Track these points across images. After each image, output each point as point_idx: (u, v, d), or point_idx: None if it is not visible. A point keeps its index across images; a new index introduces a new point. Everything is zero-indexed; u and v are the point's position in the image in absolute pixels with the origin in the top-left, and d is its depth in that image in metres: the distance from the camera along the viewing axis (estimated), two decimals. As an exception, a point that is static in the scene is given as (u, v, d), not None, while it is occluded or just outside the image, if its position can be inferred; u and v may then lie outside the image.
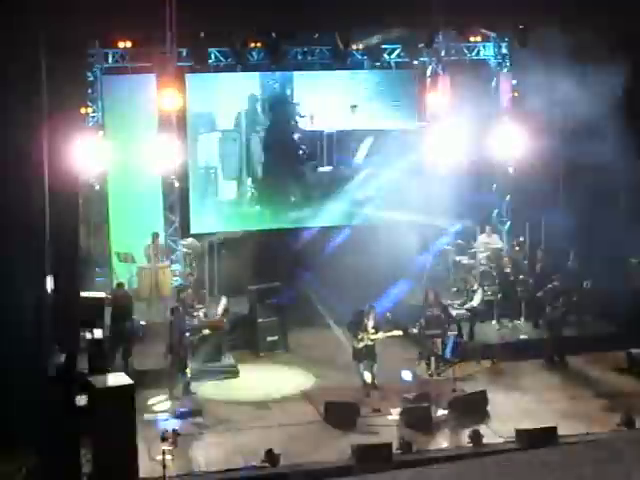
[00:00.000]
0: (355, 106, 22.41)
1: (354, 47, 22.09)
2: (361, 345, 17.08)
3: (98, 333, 16.70)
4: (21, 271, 14.33)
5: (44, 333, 14.44)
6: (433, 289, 19.32)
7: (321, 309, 20.20)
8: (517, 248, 22.44)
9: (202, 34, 21.05)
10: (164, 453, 14.01)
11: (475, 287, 20.00)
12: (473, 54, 22.95)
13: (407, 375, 17.09)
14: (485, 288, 20.32)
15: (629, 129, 20.15)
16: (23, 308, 14.17)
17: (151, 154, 21.56)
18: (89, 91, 21.10)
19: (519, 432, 14.89)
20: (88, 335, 16.33)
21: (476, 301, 19.80)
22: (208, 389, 17.53)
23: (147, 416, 15.78)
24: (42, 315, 14.54)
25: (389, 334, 17.29)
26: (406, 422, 15.75)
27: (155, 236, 21.25)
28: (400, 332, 17.50)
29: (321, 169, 23.09)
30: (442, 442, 15.20)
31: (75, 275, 16.39)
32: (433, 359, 18.20)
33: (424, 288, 19.97)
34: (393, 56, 22.53)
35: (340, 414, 15.91)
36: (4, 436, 13.20)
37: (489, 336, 20.04)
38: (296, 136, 22.85)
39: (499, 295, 20.73)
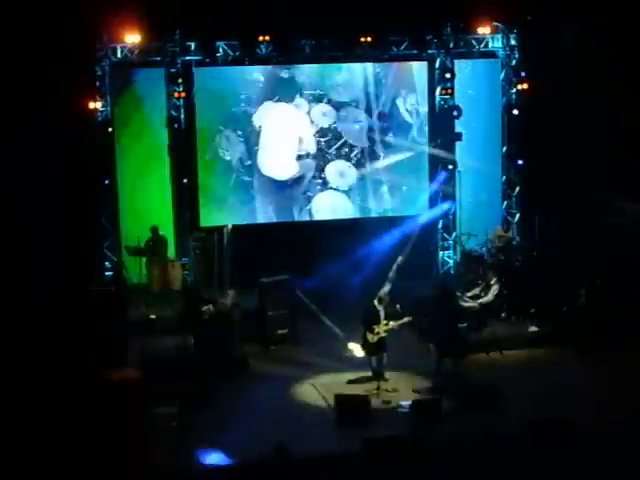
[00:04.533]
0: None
1: (362, 39, 22.08)
2: (376, 339, 17.03)
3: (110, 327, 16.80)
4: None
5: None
6: (444, 282, 19.26)
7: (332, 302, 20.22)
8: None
9: (210, 28, 21.06)
10: (175, 446, 14.08)
11: (492, 282, 19.86)
12: (481, 46, 22.90)
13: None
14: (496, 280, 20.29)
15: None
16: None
17: (160, 148, 21.65)
18: (97, 85, 21.11)
19: (531, 424, 14.87)
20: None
21: (490, 296, 19.76)
22: (218, 382, 17.53)
23: (158, 410, 15.78)
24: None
25: (400, 322, 17.25)
26: (417, 414, 15.74)
27: (154, 230, 21.30)
28: (410, 318, 17.45)
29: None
30: (453, 434, 15.16)
31: (86, 269, 16.49)
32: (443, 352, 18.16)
33: (434, 280, 19.94)
34: (401, 48, 22.49)
35: (350, 407, 15.91)
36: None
37: (499, 328, 20.00)
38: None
39: (508, 288, 20.68)
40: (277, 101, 22.53)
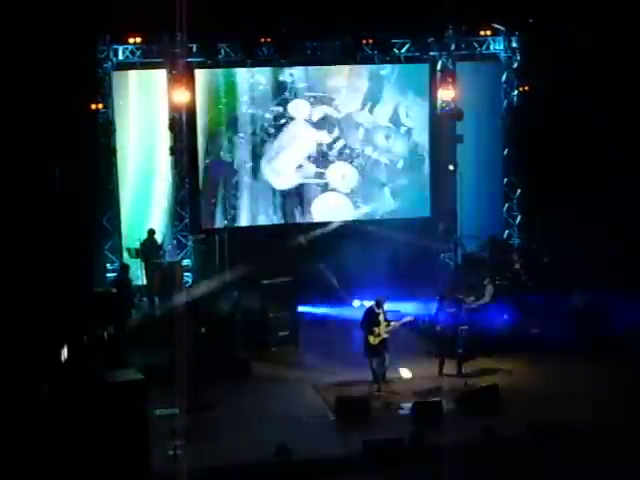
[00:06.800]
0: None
1: (364, 41, 22.10)
2: (377, 341, 16.99)
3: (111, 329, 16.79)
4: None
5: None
6: (448, 285, 19.22)
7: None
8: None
9: (212, 29, 21.07)
10: (176, 448, 14.07)
11: (486, 282, 19.91)
12: (483, 48, 22.92)
13: (406, 373, 17.27)
14: (496, 282, 20.27)
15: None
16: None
17: (161, 150, 21.66)
18: (99, 87, 21.12)
19: (531, 425, 14.87)
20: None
21: (487, 297, 19.74)
22: (219, 384, 17.53)
23: (159, 411, 15.79)
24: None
25: (401, 322, 17.23)
26: (418, 416, 15.72)
27: (151, 232, 21.33)
28: (412, 317, 17.44)
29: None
30: (454, 436, 15.14)
31: (88, 271, 16.49)
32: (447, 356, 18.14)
33: (437, 283, 19.92)
34: (403, 50, 22.51)
35: (351, 409, 15.90)
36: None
37: (500, 331, 19.97)
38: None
39: (509, 289, 20.69)
40: (278, 104, 22.54)
